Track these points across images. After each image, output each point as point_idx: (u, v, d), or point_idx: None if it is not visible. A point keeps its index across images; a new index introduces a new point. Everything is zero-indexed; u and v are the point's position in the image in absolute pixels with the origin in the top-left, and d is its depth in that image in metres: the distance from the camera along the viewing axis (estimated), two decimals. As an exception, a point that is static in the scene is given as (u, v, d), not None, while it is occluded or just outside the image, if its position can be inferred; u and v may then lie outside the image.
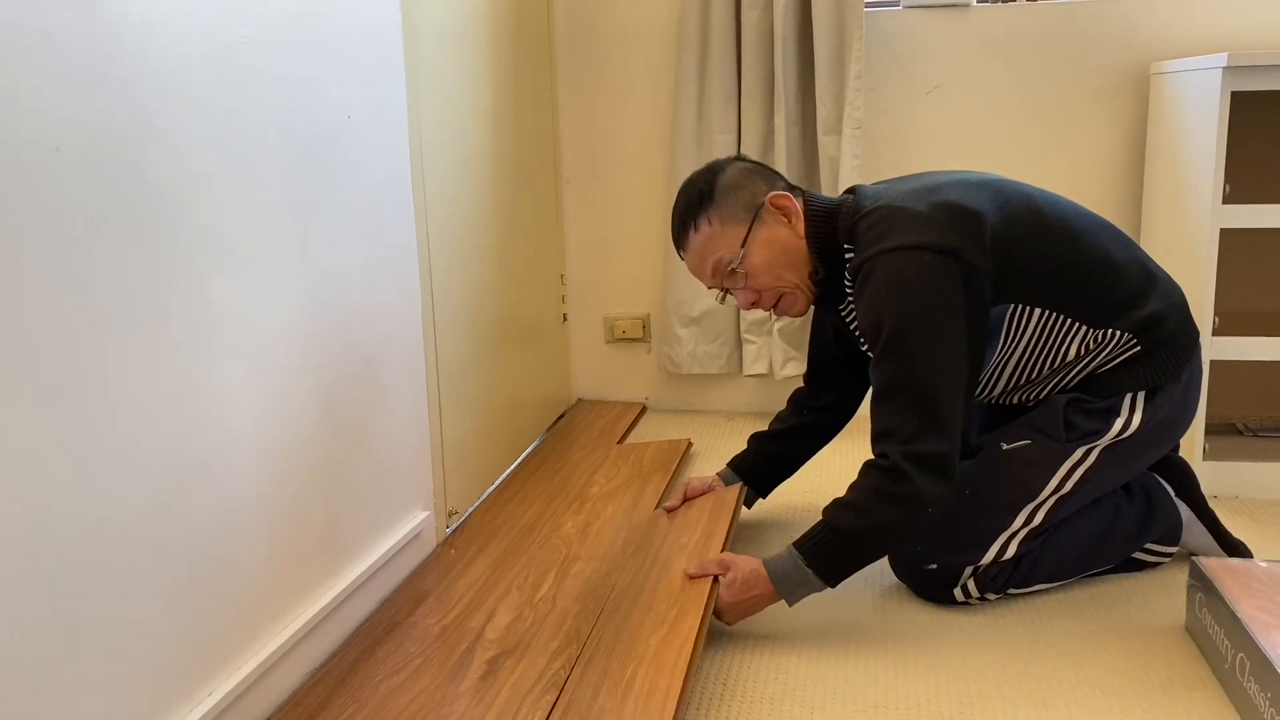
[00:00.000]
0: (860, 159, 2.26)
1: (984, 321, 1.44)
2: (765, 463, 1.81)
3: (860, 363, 1.69)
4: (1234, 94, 1.82)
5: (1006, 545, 1.52)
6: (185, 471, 1.08)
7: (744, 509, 1.80)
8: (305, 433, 1.32)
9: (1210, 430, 1.96)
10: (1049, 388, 1.56)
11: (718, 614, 1.44)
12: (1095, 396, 1.51)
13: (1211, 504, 1.65)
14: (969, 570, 1.52)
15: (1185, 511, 1.63)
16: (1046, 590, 1.57)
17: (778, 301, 1.60)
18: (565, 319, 2.59)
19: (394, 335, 1.57)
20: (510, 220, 2.13)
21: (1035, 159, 2.32)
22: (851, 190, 1.61)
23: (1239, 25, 2.20)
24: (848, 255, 1.53)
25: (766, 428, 1.83)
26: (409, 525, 1.61)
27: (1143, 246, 1.88)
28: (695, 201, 1.57)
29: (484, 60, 1.99)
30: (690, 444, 2.24)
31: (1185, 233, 1.97)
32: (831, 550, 1.41)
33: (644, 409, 2.59)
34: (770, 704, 1.31)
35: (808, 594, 1.42)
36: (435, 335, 1.73)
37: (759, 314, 2.41)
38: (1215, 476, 1.92)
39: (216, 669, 1.15)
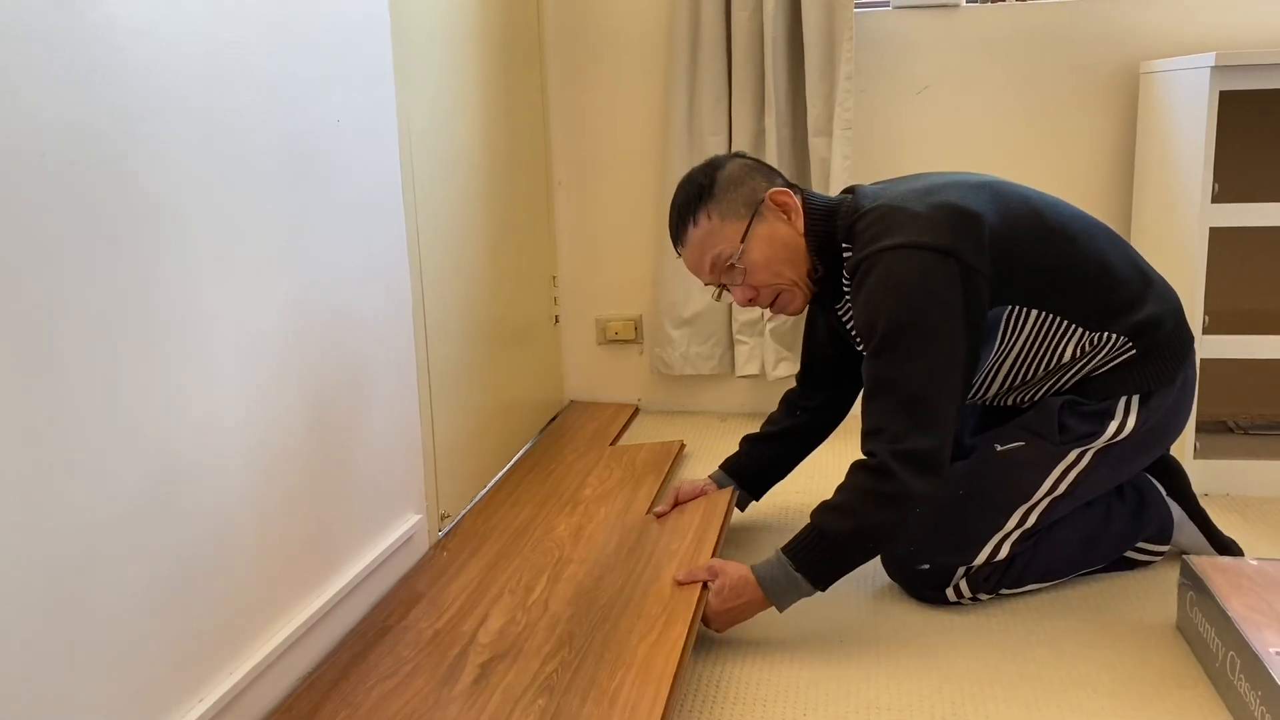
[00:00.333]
0: (850, 160, 2.27)
1: (980, 323, 1.44)
2: (758, 465, 1.81)
3: (854, 362, 1.69)
4: (1222, 93, 1.83)
5: (999, 546, 1.52)
6: (174, 476, 1.08)
7: (737, 512, 1.79)
8: (296, 436, 1.31)
9: (1201, 428, 1.97)
10: (1044, 389, 1.56)
11: (706, 621, 1.43)
12: (1090, 399, 1.52)
13: (1202, 502, 1.66)
14: (961, 570, 1.52)
15: (1176, 510, 1.64)
16: (1038, 590, 1.58)
17: (775, 299, 1.59)
18: (557, 321, 2.58)
19: (384, 338, 1.56)
20: (501, 222, 2.13)
21: (1025, 158, 2.32)
22: (850, 190, 1.60)
23: (1227, 25, 2.20)
24: (846, 254, 1.52)
25: (759, 429, 1.83)
26: (401, 529, 1.61)
27: (1133, 245, 1.88)
28: (695, 196, 1.56)
29: (474, 62, 1.98)
30: (683, 445, 2.24)
31: (1175, 232, 1.98)
32: (820, 554, 1.40)
33: (636, 410, 2.59)
34: (763, 705, 1.31)
35: (798, 599, 1.41)
36: (426, 338, 1.72)
37: (751, 315, 2.41)
38: (1206, 474, 1.92)
39: (208, 675, 1.14)
